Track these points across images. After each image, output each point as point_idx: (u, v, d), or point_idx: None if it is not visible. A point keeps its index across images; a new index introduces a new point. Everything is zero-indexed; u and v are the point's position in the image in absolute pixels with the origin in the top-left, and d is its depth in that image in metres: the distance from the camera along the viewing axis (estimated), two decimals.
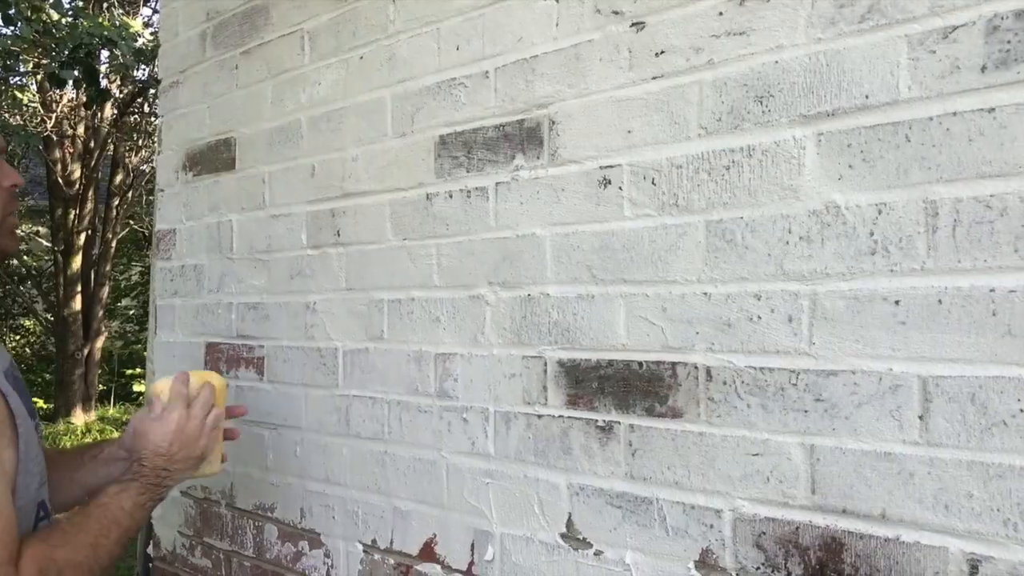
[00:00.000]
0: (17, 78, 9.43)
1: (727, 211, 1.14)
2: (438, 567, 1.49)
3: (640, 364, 1.23)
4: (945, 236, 0.96)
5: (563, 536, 1.31)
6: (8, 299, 12.54)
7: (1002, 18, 0.93)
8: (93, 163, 10.55)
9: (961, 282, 0.95)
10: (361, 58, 1.67)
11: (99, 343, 11.00)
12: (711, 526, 1.15)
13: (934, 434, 0.97)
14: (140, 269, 13.75)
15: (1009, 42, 0.92)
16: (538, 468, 1.35)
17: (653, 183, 1.22)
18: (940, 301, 0.96)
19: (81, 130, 10.48)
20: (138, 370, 12.66)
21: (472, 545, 1.44)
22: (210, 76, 2.07)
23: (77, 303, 10.55)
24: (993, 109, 0.93)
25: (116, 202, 10.97)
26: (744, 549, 1.12)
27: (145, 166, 11.58)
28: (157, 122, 2.29)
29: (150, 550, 2.23)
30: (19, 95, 9.66)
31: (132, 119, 11.12)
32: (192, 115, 2.13)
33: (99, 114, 10.09)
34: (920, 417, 0.97)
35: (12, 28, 7.01)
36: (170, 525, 2.15)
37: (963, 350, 0.95)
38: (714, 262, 1.15)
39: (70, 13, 7.52)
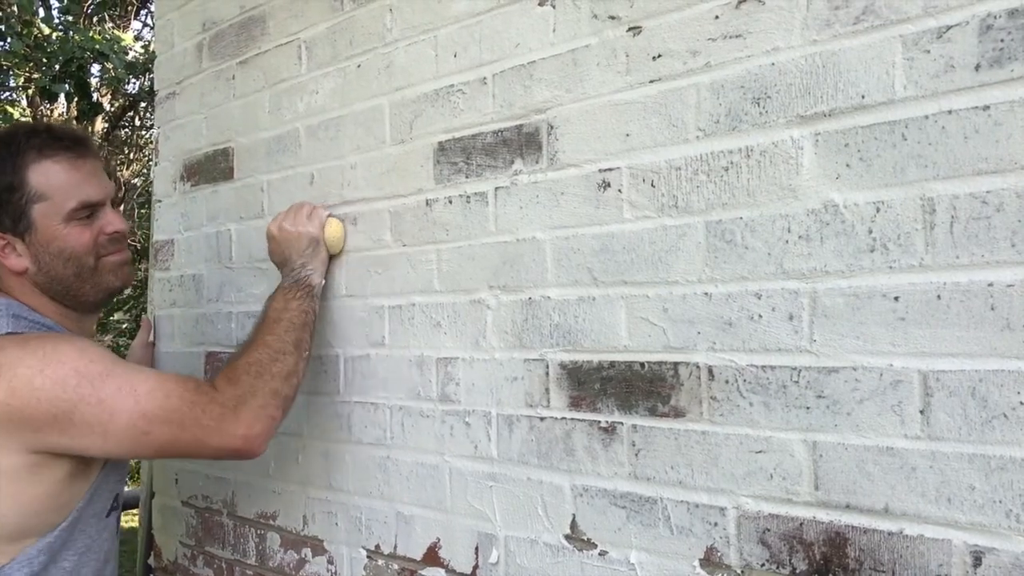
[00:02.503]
0: (8, 92, 9.42)
1: (726, 212, 1.16)
2: (442, 571, 1.49)
3: (642, 365, 1.24)
4: (943, 232, 0.97)
5: (567, 537, 1.32)
6: None
7: (995, 17, 0.94)
8: None
9: (959, 277, 0.96)
10: (359, 67, 1.68)
11: None
12: (715, 524, 1.16)
13: (935, 428, 0.98)
14: (133, 283, 13.69)
15: (1002, 40, 0.94)
16: (541, 470, 1.36)
17: (652, 185, 1.23)
18: (939, 297, 0.98)
19: None
20: None
21: (476, 548, 1.44)
22: (207, 86, 2.08)
23: None
24: (988, 107, 0.95)
25: None
26: (749, 546, 1.13)
27: (137, 180, 11.57)
28: (153, 133, 2.30)
29: (151, 561, 2.23)
30: (10, 109, 9.65)
31: (123, 133, 11.12)
32: (189, 125, 2.13)
33: (90, 128, 10.10)
34: (921, 411, 0.99)
35: (3, 43, 7.02)
36: (171, 535, 2.15)
37: (963, 344, 0.96)
38: (714, 262, 1.16)
39: (61, 27, 7.53)
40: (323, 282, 1.68)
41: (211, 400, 1.40)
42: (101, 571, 1.54)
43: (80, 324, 1.58)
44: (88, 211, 1.51)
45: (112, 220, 1.55)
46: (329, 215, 1.69)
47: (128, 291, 13.81)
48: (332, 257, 1.71)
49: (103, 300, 1.61)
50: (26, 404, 1.31)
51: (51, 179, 1.48)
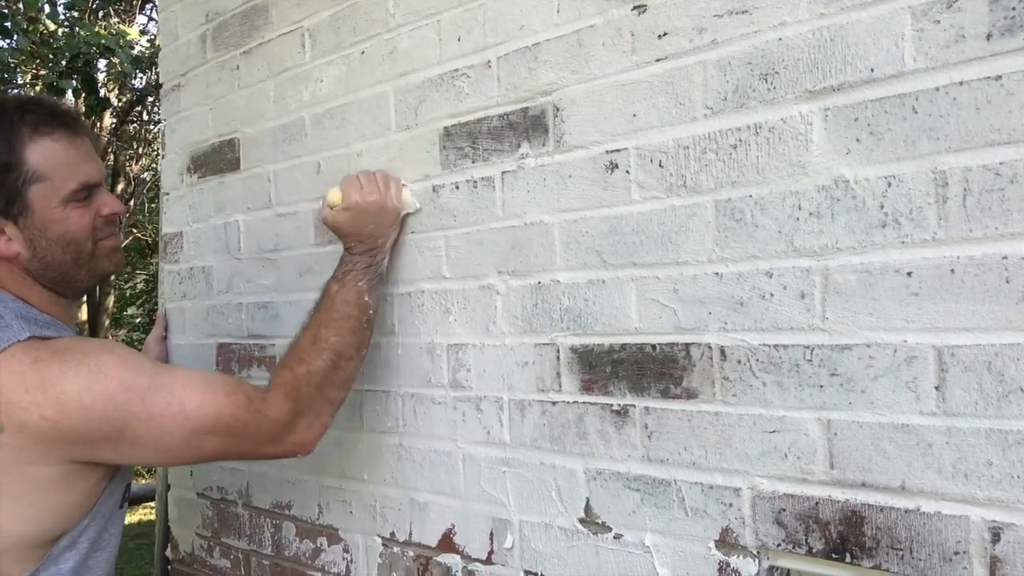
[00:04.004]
0: (15, 90, 9.44)
1: (736, 190, 1.14)
2: (457, 557, 1.49)
3: (653, 347, 1.23)
4: (955, 206, 0.96)
5: (582, 521, 1.32)
6: None
7: None
8: None
9: (973, 251, 0.95)
10: (362, 53, 1.67)
11: None
12: (730, 505, 1.15)
13: (951, 404, 0.97)
14: (145, 277, 13.78)
15: (1014, 8, 0.92)
16: (554, 454, 1.35)
17: (660, 165, 1.22)
18: (952, 271, 0.96)
19: None
20: None
21: (491, 534, 1.44)
22: (211, 77, 2.07)
23: (83, 313, 10.59)
24: (1000, 77, 0.93)
25: None
26: (764, 527, 1.12)
27: (146, 174, 11.61)
28: (159, 127, 2.30)
29: (168, 553, 2.24)
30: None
31: (131, 127, 11.14)
32: (195, 117, 2.13)
33: (98, 123, 10.12)
34: (936, 387, 0.98)
35: (9, 40, 7.03)
36: (187, 527, 2.16)
37: (977, 319, 0.95)
38: (724, 241, 1.15)
39: (67, 23, 7.53)
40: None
41: (263, 418, 1.38)
42: (112, 564, 1.52)
43: (68, 311, 1.52)
44: (86, 192, 1.43)
45: (108, 201, 1.48)
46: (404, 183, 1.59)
47: (141, 285, 13.91)
48: (331, 257, 1.65)
49: (93, 285, 1.54)
50: (76, 423, 1.26)
51: (50, 158, 1.38)
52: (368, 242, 1.51)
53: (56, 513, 1.33)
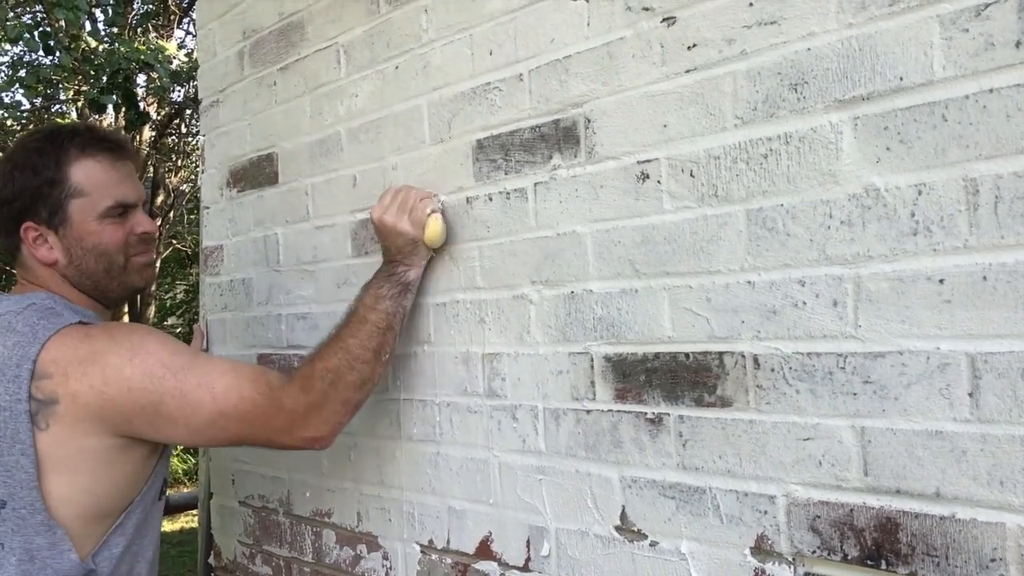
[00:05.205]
0: (58, 105, 9.64)
1: (767, 199, 1.15)
2: (495, 564, 1.51)
3: (687, 355, 1.24)
4: (987, 213, 0.96)
5: (618, 528, 1.33)
6: None
7: None
8: None
9: (1005, 258, 0.95)
10: (396, 68, 1.70)
11: None
12: (765, 512, 1.16)
13: (985, 411, 0.97)
14: (184, 287, 13.97)
15: None
16: (590, 463, 1.37)
17: (691, 175, 1.23)
18: (985, 278, 0.96)
19: None
20: None
21: (528, 541, 1.46)
22: (249, 93, 2.11)
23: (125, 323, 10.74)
24: None
25: (159, 222, 11.17)
26: (799, 534, 1.12)
27: (185, 186, 11.78)
28: (198, 141, 2.35)
29: (211, 560, 2.29)
30: (60, 122, 9.89)
31: (170, 140, 11.32)
32: (233, 132, 2.17)
33: (138, 137, 10.30)
34: (970, 394, 0.98)
35: (52, 57, 7.19)
36: (230, 535, 2.20)
37: (1011, 326, 0.95)
38: (756, 250, 1.16)
39: (107, 40, 7.68)
40: (419, 277, 1.60)
41: (280, 408, 1.45)
42: (155, 556, 1.62)
43: (104, 318, 1.62)
44: (121, 210, 1.56)
45: (142, 221, 1.61)
46: (432, 211, 1.56)
47: (181, 296, 14.12)
48: (367, 268, 1.67)
49: (125, 298, 1.70)
50: (119, 393, 1.38)
51: (91, 176, 1.53)
52: (388, 255, 1.58)
53: (112, 485, 1.45)
